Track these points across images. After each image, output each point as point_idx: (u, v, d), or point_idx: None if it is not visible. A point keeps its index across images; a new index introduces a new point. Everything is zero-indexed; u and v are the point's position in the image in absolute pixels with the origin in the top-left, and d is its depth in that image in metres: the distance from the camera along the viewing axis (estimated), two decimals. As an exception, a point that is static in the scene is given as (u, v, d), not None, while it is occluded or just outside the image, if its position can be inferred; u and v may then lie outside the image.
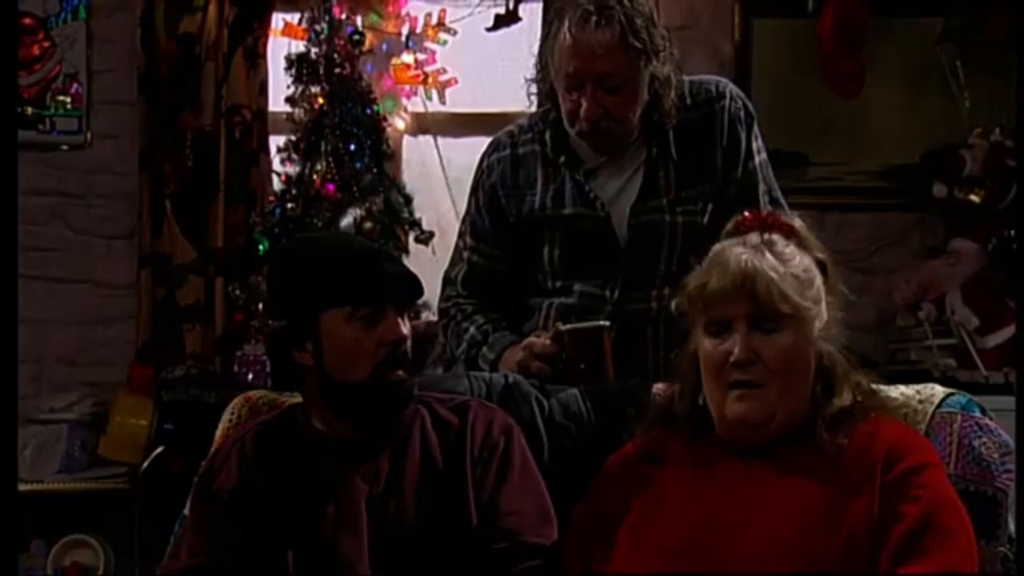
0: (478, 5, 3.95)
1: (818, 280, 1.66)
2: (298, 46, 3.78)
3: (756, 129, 2.25)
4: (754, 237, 1.67)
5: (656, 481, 1.67)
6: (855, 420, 1.60)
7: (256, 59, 3.97)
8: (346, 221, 3.55)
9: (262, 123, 3.98)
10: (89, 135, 4.08)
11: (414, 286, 1.73)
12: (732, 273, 1.61)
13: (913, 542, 1.47)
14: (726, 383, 1.62)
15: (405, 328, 1.70)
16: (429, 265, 3.60)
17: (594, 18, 2.05)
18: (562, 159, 2.21)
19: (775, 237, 1.66)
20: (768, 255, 1.63)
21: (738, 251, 1.64)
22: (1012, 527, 1.65)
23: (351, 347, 1.68)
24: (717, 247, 1.69)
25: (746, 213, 1.73)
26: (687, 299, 1.67)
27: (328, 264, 1.70)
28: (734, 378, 1.61)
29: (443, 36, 4.00)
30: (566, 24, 2.08)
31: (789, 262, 1.63)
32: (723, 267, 1.62)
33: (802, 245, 1.67)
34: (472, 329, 2.26)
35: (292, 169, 3.70)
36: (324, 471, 1.72)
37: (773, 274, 1.60)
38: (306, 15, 3.75)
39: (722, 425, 1.64)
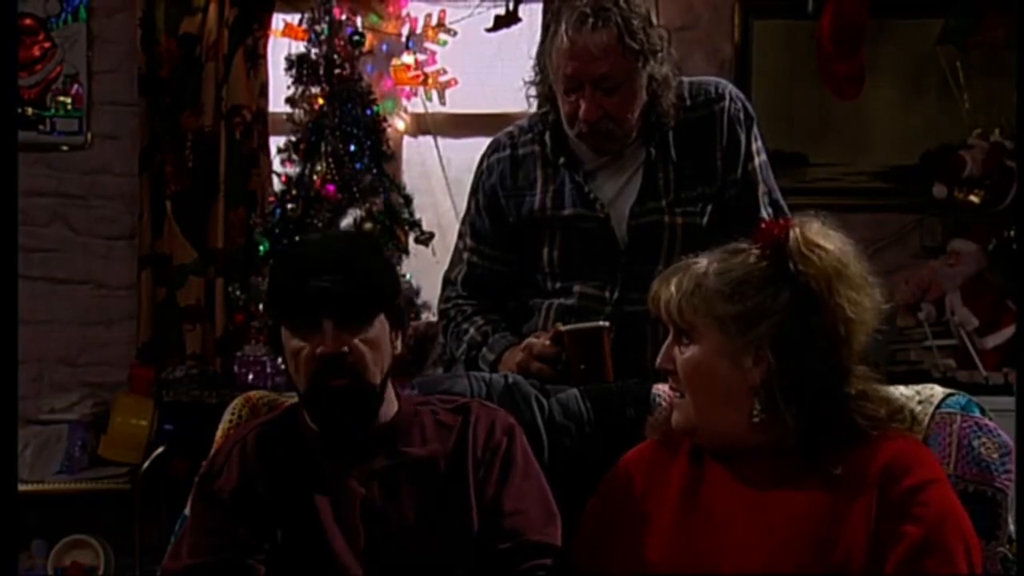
0: (478, 6, 3.95)
1: (760, 295, 1.58)
2: (298, 47, 3.78)
3: (756, 130, 2.25)
4: (716, 250, 1.66)
5: (663, 483, 1.67)
6: (836, 438, 1.56)
7: (256, 60, 3.97)
8: (346, 222, 3.55)
9: (262, 124, 3.99)
10: (90, 136, 4.08)
11: (352, 300, 1.68)
12: (654, 283, 1.68)
13: (914, 564, 1.45)
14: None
15: (343, 340, 1.66)
16: (429, 266, 3.61)
17: (591, 20, 2.05)
18: (561, 160, 2.21)
19: (731, 247, 1.64)
20: (691, 268, 1.63)
21: (676, 264, 1.68)
22: (1012, 527, 1.65)
23: (292, 358, 1.70)
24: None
25: (758, 228, 1.68)
26: None
27: (274, 278, 1.76)
28: (669, 384, 1.69)
29: (443, 37, 4.01)
30: (563, 26, 2.08)
31: (711, 276, 1.60)
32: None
33: (775, 255, 1.59)
34: (472, 330, 2.26)
35: (292, 170, 3.70)
36: (324, 472, 1.72)
37: (673, 290, 1.62)
38: (306, 16, 3.76)
39: None
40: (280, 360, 1.80)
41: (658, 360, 1.67)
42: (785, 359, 1.56)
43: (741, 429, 1.59)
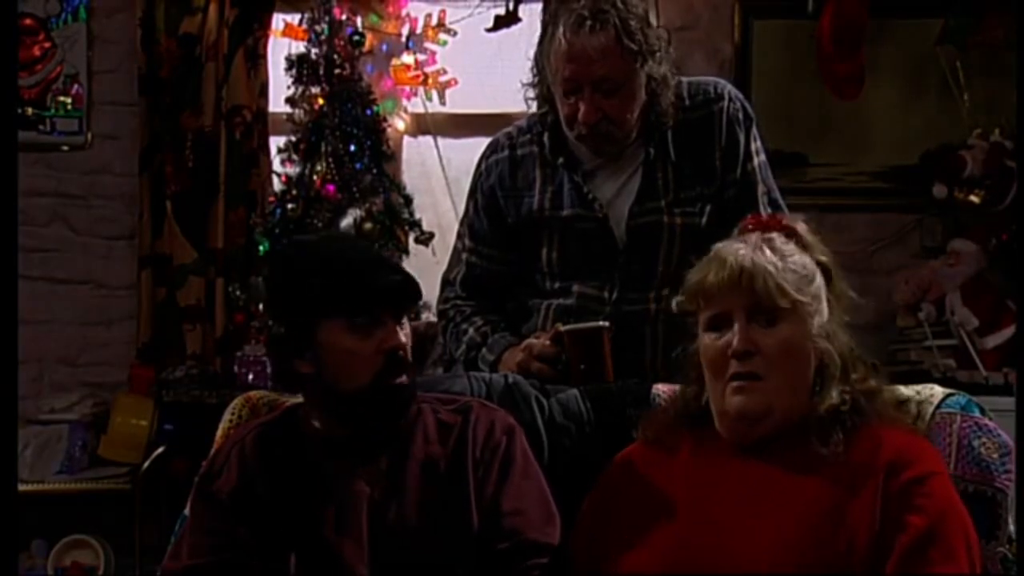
0: (478, 6, 3.96)
1: (818, 279, 1.66)
2: (298, 47, 3.78)
3: (755, 130, 2.25)
4: (754, 237, 1.68)
5: (661, 479, 1.67)
6: (850, 423, 1.59)
7: (256, 60, 3.97)
8: (346, 222, 3.55)
9: (262, 124, 3.99)
10: (90, 136, 4.08)
11: (410, 294, 1.72)
12: (730, 267, 1.63)
13: (917, 554, 1.47)
14: (726, 376, 1.63)
15: (403, 335, 1.70)
16: (429, 266, 3.60)
17: (588, 22, 2.05)
18: (560, 160, 2.21)
19: (774, 235, 1.68)
20: (767, 251, 1.64)
21: (736, 247, 1.66)
22: (1012, 527, 1.65)
23: (349, 357, 1.67)
24: (717, 244, 1.70)
25: (749, 217, 1.76)
26: (687, 295, 1.69)
27: (323, 275, 1.69)
28: (733, 371, 1.62)
29: (443, 37, 4.01)
30: (561, 29, 2.07)
31: (788, 258, 1.65)
32: (721, 262, 1.64)
33: (802, 245, 1.69)
34: (471, 331, 2.26)
35: (292, 170, 3.70)
36: (325, 472, 1.72)
37: (771, 268, 1.62)
38: (306, 16, 3.76)
39: (722, 421, 1.65)
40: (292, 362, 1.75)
41: (736, 343, 1.61)
42: (831, 343, 1.63)
43: (801, 413, 1.61)
